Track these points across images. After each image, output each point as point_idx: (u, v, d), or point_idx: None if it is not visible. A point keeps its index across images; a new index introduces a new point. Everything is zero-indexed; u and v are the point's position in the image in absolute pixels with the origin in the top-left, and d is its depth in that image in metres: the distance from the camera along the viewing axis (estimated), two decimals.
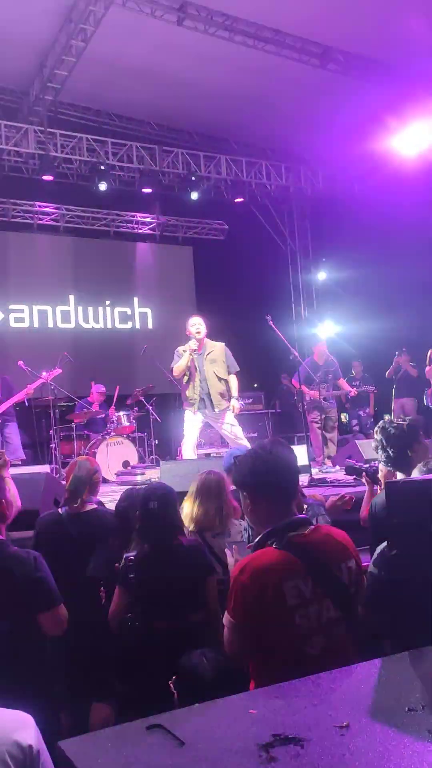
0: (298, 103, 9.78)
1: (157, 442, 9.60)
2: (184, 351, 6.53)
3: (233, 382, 6.60)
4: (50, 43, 8.73)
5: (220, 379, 6.51)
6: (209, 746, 1.12)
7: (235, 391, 6.57)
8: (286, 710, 1.22)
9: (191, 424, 6.54)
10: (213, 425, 6.74)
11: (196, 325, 6.67)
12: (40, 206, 11.60)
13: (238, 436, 6.57)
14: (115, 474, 7.88)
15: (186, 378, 6.48)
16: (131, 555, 2.72)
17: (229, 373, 6.59)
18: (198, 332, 6.58)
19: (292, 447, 2.45)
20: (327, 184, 11.93)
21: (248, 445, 5.97)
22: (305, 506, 2.88)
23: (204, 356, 6.52)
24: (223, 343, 6.79)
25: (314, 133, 10.41)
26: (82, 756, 1.09)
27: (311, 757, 1.09)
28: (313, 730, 1.17)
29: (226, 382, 6.55)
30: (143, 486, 4.29)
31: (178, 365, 6.48)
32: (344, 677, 1.42)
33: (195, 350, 6.43)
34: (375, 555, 2.20)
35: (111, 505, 4.00)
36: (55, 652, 2.72)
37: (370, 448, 7.09)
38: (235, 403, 6.56)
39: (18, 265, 11.23)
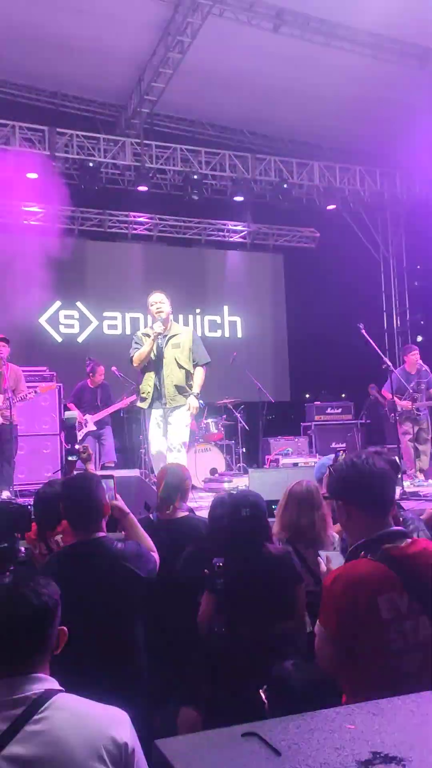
0: (395, 107, 9.58)
1: (244, 450, 9.61)
2: (145, 335, 5.45)
3: (198, 375, 5.48)
4: (148, 57, 8.98)
5: (180, 366, 5.39)
6: (306, 759, 1.10)
7: (197, 387, 5.45)
8: (385, 728, 1.18)
9: (153, 422, 5.46)
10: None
11: (157, 303, 5.41)
12: (134, 216, 11.92)
13: (174, 446, 5.35)
14: (203, 481, 7.94)
15: (143, 367, 5.43)
16: (220, 561, 2.73)
17: (195, 365, 5.47)
18: (159, 311, 5.38)
19: None
20: (424, 189, 11.59)
21: (183, 461, 5.10)
22: (401, 519, 2.79)
23: (166, 340, 5.41)
24: (191, 329, 5.91)
25: (411, 138, 10.14)
26: (178, 757, 1.09)
27: None
28: (414, 750, 1.12)
29: (188, 373, 5.44)
30: (233, 492, 4.29)
31: (140, 352, 5.34)
32: None
33: (160, 333, 5.32)
34: None
35: (199, 512, 4.03)
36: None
37: None
38: (193, 401, 5.38)
39: (112, 273, 11.59)
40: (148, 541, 2.85)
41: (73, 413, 7.09)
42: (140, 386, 5.49)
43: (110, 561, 2.49)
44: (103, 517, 2.62)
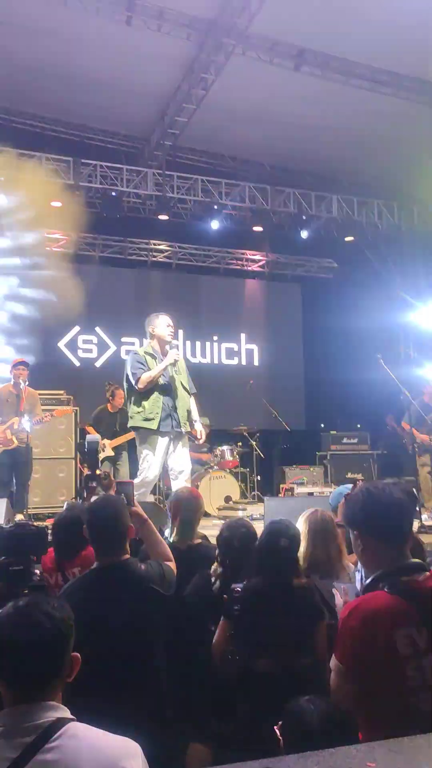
0: (413, 142, 9.66)
1: (259, 478, 9.55)
2: (149, 355, 5.42)
3: (194, 402, 5.64)
4: (172, 92, 9.18)
5: (186, 391, 5.50)
6: None
7: (196, 414, 5.62)
8: (407, 767, 1.14)
9: (161, 446, 5.33)
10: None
11: (171, 326, 5.56)
12: (154, 244, 12.07)
13: (184, 473, 5.40)
14: (217, 508, 7.89)
15: (147, 389, 5.34)
16: (239, 587, 2.68)
17: (190, 394, 5.60)
18: (171, 334, 5.56)
19: None
20: None
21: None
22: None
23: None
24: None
25: (429, 173, 10.22)
26: None
27: None
28: None
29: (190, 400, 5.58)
30: (244, 519, 4.23)
31: (151, 375, 5.28)
32: None
33: (173, 363, 5.37)
34: None
35: (214, 540, 3.99)
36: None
37: None
38: (200, 427, 5.57)
39: (132, 300, 11.69)
40: (166, 549, 2.86)
41: (96, 437, 7.09)
42: (144, 406, 5.29)
43: (136, 583, 2.49)
44: (128, 540, 2.64)
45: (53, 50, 8.00)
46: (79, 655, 1.62)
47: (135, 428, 5.43)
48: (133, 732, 1.50)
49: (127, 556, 2.61)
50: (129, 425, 5.54)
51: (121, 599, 2.44)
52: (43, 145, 9.34)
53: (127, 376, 5.44)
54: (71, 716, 1.51)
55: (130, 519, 2.65)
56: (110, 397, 8.02)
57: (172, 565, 2.74)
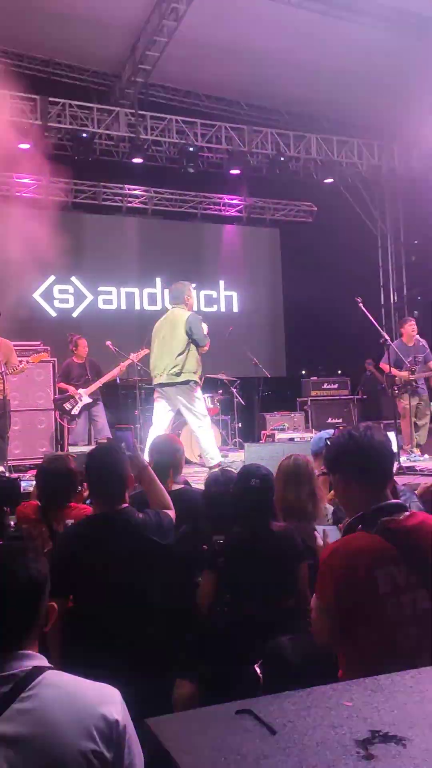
0: (394, 78, 9.36)
1: (240, 425, 9.58)
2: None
3: None
4: (142, 24, 8.76)
5: None
6: (302, 737, 1.05)
7: None
8: (384, 705, 1.14)
9: None
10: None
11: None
12: (129, 189, 11.74)
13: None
14: (198, 456, 7.90)
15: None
16: (220, 538, 2.68)
17: None
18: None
19: None
20: (422, 163, 11.39)
21: None
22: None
23: None
24: None
25: (410, 110, 9.96)
26: (170, 736, 1.05)
27: (413, 758, 1.01)
28: (414, 728, 1.08)
29: None
30: (227, 469, 4.23)
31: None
32: None
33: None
34: None
35: (195, 485, 3.99)
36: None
37: None
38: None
39: (107, 247, 11.44)
40: (166, 497, 2.85)
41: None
42: (200, 366, 6.07)
43: (133, 532, 2.49)
44: (127, 489, 2.61)
45: None
46: (55, 604, 1.60)
47: (195, 382, 6.12)
48: (126, 677, 1.50)
49: (126, 505, 2.60)
50: (189, 378, 6.05)
51: (117, 548, 2.44)
52: (7, 82, 8.89)
53: (192, 334, 6.02)
54: (48, 664, 1.50)
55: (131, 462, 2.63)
56: (73, 347, 7.88)
57: (172, 513, 2.72)
